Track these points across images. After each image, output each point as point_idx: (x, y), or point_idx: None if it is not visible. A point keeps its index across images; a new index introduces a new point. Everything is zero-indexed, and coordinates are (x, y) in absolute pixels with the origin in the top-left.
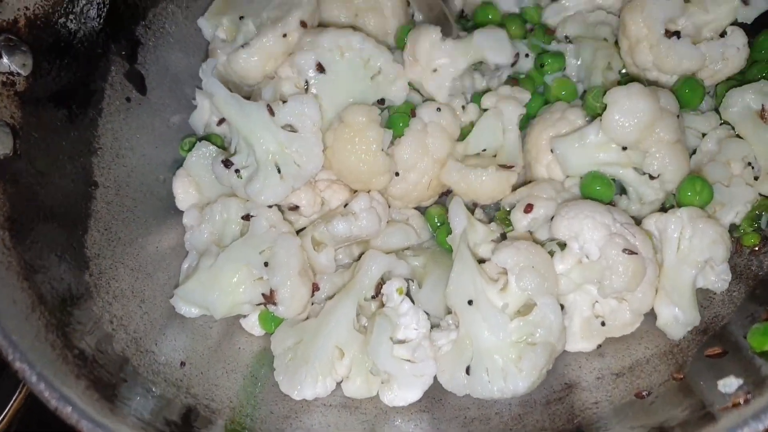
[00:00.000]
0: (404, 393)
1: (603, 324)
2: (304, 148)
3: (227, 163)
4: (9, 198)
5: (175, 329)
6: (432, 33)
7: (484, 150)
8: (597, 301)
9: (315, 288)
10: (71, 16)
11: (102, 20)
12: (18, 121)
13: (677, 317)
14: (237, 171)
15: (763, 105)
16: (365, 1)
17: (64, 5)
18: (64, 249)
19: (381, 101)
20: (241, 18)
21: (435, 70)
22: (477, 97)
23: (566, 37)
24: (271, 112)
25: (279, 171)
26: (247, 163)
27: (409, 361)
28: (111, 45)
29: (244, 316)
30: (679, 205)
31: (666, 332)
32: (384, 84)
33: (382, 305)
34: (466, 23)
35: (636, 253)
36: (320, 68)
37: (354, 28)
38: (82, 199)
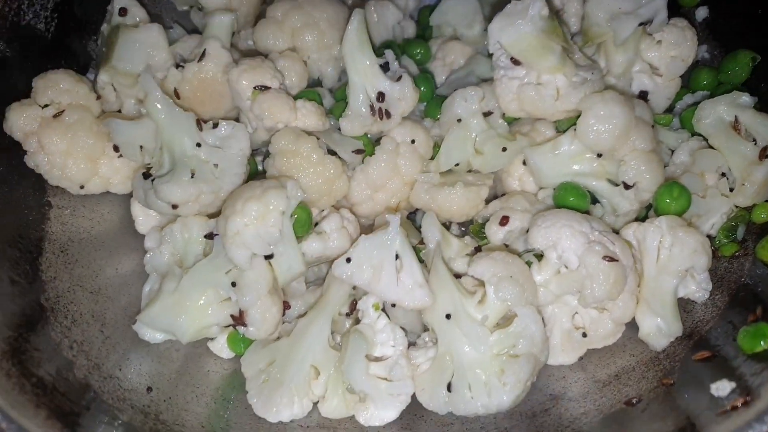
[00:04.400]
0: (381, 412)
1: (584, 335)
2: (224, 164)
3: (146, 175)
4: None
5: (139, 354)
6: None
7: (457, 165)
8: (577, 312)
9: (286, 306)
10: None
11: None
12: None
13: (660, 328)
14: (152, 181)
15: (735, 116)
16: (299, 19)
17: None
18: (17, 271)
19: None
20: None
21: None
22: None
23: None
24: (200, 126)
25: (192, 175)
26: (164, 172)
27: (385, 379)
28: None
29: (212, 339)
30: (657, 213)
31: (648, 343)
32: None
33: (357, 321)
34: None
35: (617, 260)
36: None
37: (293, 49)
38: (35, 220)
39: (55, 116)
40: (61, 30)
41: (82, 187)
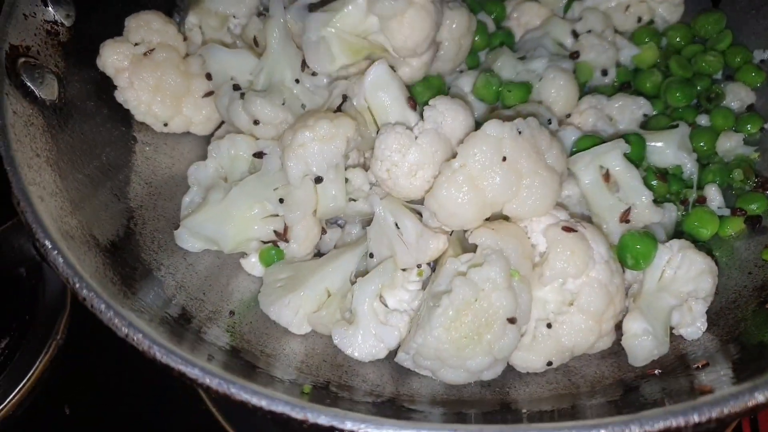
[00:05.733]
0: (354, 342)
1: (549, 326)
2: (311, 105)
3: (236, 87)
4: (56, 142)
5: (221, 279)
6: None
7: None
8: (552, 312)
9: (323, 231)
10: None
11: None
12: (62, 70)
13: (648, 332)
14: (242, 96)
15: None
16: None
17: None
18: (109, 195)
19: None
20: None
21: None
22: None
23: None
24: (303, 67)
25: (284, 102)
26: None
27: (381, 322)
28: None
29: (245, 257)
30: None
31: (628, 350)
32: None
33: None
34: None
35: (575, 231)
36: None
37: None
38: (123, 151)
39: (146, 54)
40: None
41: (165, 124)
